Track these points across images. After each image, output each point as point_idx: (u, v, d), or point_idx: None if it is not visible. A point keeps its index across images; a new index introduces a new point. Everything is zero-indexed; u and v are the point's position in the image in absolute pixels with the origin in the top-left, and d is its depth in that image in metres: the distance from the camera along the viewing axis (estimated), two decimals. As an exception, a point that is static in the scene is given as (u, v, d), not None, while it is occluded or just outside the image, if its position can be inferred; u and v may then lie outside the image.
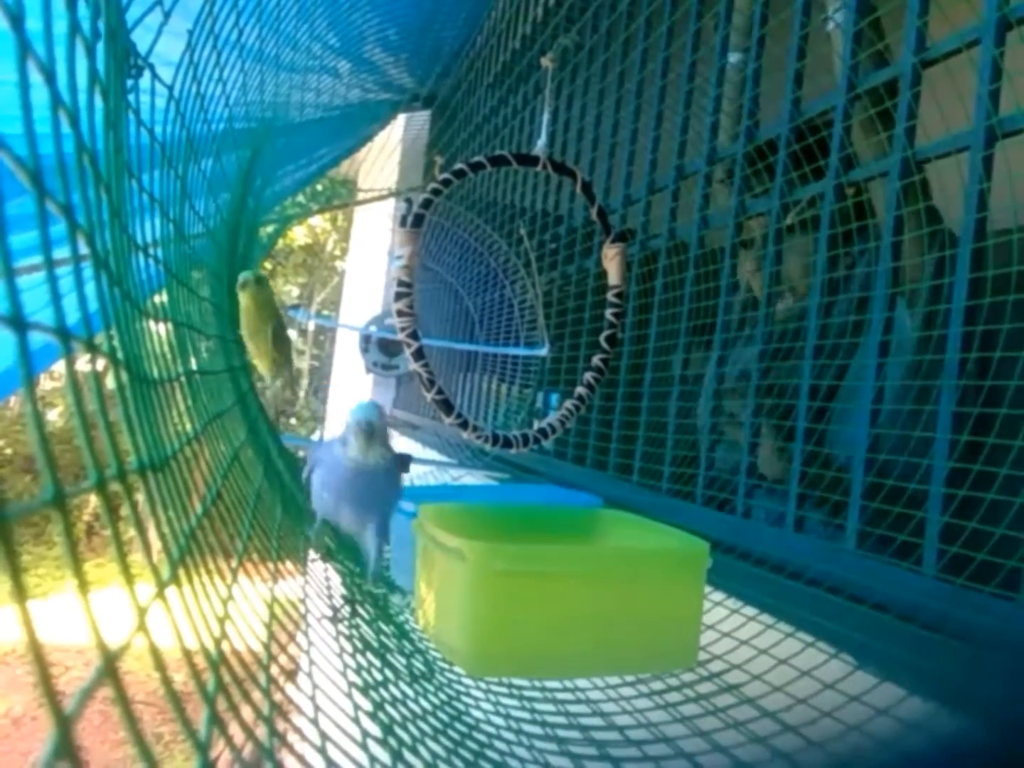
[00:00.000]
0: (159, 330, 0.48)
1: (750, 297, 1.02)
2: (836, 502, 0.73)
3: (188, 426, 0.49)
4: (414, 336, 0.71)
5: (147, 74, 0.52)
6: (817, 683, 0.54)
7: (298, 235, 7.24)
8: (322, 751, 0.38)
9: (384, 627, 0.65)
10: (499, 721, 0.54)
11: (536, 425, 0.83)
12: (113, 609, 0.40)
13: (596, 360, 0.83)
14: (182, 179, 0.63)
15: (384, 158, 2.99)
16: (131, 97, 0.48)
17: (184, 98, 0.64)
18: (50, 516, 0.20)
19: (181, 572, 0.33)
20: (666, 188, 1.11)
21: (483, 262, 1.58)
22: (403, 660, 0.60)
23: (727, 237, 0.95)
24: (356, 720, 0.43)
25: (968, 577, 0.58)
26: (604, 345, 0.82)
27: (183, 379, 0.51)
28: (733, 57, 1.00)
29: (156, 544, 0.30)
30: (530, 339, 1.46)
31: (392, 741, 0.44)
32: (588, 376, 0.83)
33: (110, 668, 0.20)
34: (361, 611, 0.66)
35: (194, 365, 0.60)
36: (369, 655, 0.56)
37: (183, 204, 0.64)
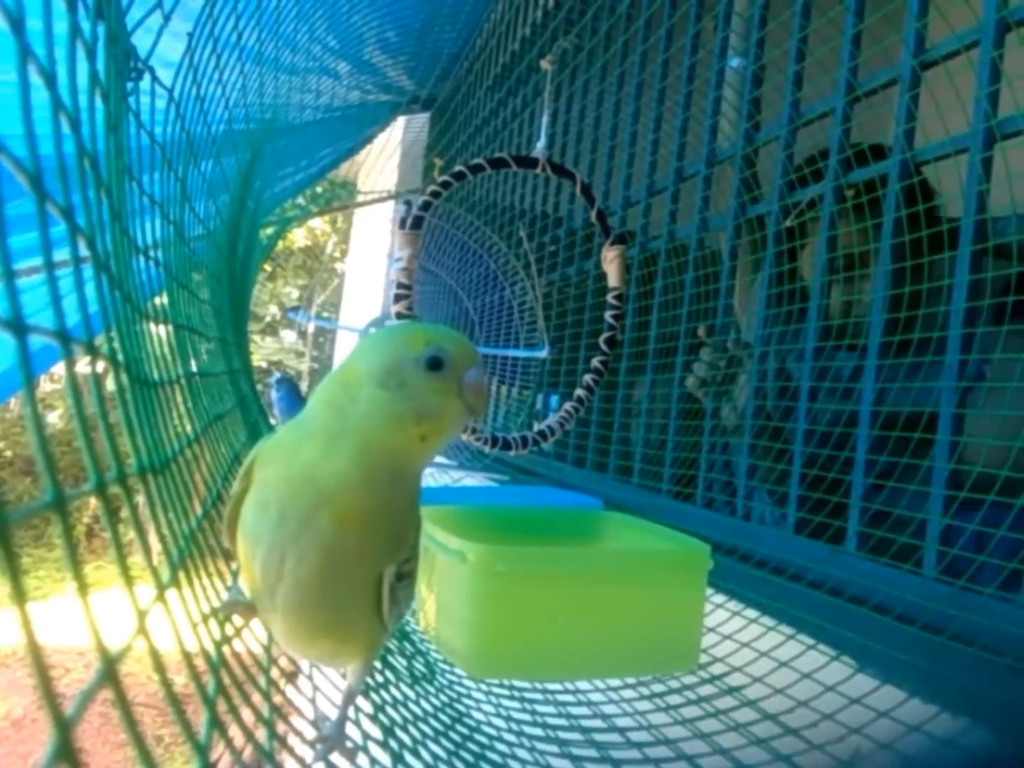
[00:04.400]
0: (159, 332, 0.48)
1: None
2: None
3: (188, 428, 0.48)
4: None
5: (147, 76, 0.52)
6: (818, 685, 0.54)
7: (298, 237, 7.24)
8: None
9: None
10: (500, 723, 0.54)
11: (536, 427, 0.83)
12: (113, 611, 0.40)
13: (595, 362, 0.83)
14: (182, 181, 0.63)
15: (383, 160, 2.99)
16: (131, 100, 0.48)
17: (184, 100, 0.64)
18: (50, 518, 0.20)
19: (181, 574, 0.33)
20: (666, 190, 1.11)
21: (482, 264, 1.58)
22: (404, 662, 0.60)
23: (725, 240, 0.95)
24: (357, 722, 0.43)
25: (968, 579, 0.58)
26: (603, 347, 0.82)
27: (183, 381, 0.51)
28: (735, 61, 0.99)
29: (156, 546, 0.30)
30: (530, 341, 1.46)
31: (393, 743, 0.44)
32: (587, 378, 0.83)
33: (110, 672, 0.20)
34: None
35: (194, 367, 0.60)
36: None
37: (183, 206, 0.64)
